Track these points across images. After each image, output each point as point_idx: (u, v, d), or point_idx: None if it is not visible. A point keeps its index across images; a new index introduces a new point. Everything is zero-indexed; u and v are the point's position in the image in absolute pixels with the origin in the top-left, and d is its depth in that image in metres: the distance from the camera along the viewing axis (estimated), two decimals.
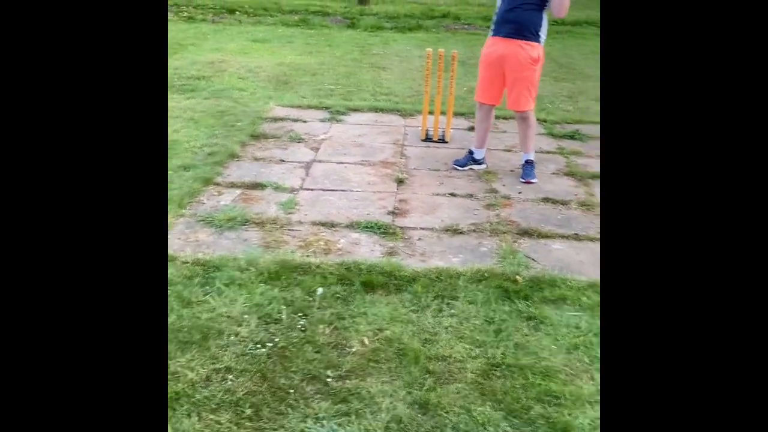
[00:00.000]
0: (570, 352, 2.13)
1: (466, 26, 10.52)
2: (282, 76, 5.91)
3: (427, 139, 4.32)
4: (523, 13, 3.37)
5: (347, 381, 1.95)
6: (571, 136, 4.47)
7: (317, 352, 2.08)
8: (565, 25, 10.51)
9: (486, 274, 2.58)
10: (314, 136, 4.27)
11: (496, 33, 3.50)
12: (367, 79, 6.08)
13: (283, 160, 3.81)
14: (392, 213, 3.18)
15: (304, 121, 4.58)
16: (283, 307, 2.31)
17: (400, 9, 11.84)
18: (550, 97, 5.58)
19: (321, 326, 2.21)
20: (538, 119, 4.59)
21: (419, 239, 2.92)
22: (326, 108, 4.93)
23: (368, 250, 2.79)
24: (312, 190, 3.42)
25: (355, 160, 3.88)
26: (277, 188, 3.39)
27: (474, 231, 3.01)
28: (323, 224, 3.02)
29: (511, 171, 3.79)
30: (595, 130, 4.66)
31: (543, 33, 3.46)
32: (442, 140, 4.31)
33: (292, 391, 1.91)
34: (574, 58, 7.67)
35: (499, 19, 3.48)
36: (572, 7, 13.70)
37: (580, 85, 6.16)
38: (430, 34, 9.55)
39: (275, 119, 4.59)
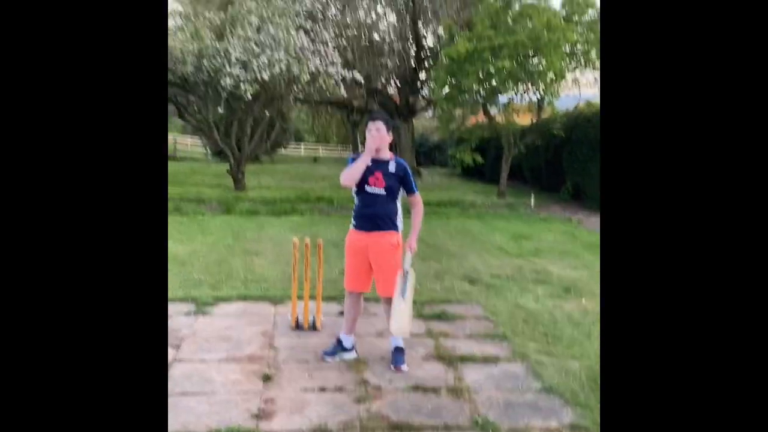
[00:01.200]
0: None
1: (339, 209, 11.05)
2: None
3: (298, 327, 4.24)
4: (378, 208, 3.59)
5: None
6: (439, 317, 4.59)
7: None
8: (431, 206, 11.35)
9: None
10: (176, 332, 4.05)
11: (357, 227, 3.67)
12: (239, 265, 6.03)
13: None
14: (257, 416, 2.97)
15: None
16: None
17: (276, 194, 12.30)
18: (418, 276, 5.79)
19: None
20: None
21: None
22: (192, 300, 4.75)
23: None
24: (169, 396, 3.14)
25: (220, 357, 3.67)
26: None
27: (343, 431, 2.86)
28: None
29: (382, 358, 3.75)
30: (462, 309, 4.84)
31: (399, 221, 3.68)
32: (313, 327, 4.25)
33: None
34: (440, 237, 8.19)
35: (357, 215, 3.68)
36: (436, 189, 14.93)
37: (446, 263, 6.51)
38: (305, 217, 9.89)
39: None
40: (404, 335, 3.63)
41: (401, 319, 3.57)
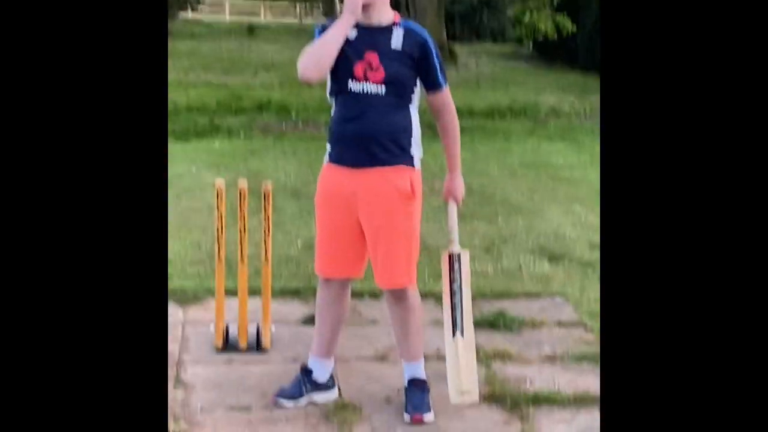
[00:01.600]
0: None
1: (301, 125, 11.06)
2: None
3: (228, 346, 4.32)
4: (373, 121, 3.56)
5: None
6: (492, 323, 4.65)
7: None
8: (475, 117, 11.34)
9: None
10: None
11: (336, 160, 3.64)
12: None
13: None
14: None
15: None
16: None
17: (181, 97, 12.25)
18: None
19: None
20: (431, 294, 4.73)
21: None
22: None
23: None
24: None
25: None
26: None
27: None
28: None
29: (387, 399, 3.84)
30: (536, 308, 4.90)
31: (417, 146, 3.66)
32: (256, 347, 4.32)
33: None
34: (494, 176, 8.22)
35: (336, 136, 3.64)
36: (486, 85, 14.99)
37: (506, 225, 6.55)
38: (235, 141, 9.90)
39: None
40: (472, 401, 3.72)
41: (462, 374, 3.66)
